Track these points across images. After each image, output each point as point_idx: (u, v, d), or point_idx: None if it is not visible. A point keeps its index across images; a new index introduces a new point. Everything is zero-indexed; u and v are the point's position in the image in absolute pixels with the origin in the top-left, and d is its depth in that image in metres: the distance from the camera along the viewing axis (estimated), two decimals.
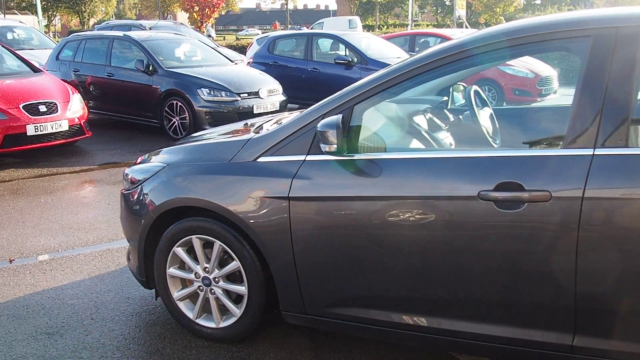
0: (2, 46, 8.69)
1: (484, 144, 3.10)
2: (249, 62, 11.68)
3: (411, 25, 31.14)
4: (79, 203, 5.67)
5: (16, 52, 8.95)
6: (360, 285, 2.61)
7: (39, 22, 27.04)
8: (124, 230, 3.36)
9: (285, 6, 58.63)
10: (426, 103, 3.53)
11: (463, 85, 3.80)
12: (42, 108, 7.40)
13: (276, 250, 2.71)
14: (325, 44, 11.64)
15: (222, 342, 3.03)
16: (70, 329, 3.20)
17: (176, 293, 3.09)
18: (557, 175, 2.19)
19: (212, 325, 3.03)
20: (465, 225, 2.34)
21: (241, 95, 8.64)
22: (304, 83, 10.95)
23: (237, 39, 35.14)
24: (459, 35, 12.92)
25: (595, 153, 2.16)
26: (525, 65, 11.93)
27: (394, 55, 10.91)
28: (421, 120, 3.25)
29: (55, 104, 7.55)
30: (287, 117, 3.14)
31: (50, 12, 57.95)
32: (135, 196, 3.13)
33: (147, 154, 3.53)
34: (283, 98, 9.32)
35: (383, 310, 2.61)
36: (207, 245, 2.96)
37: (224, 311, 3.03)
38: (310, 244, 2.64)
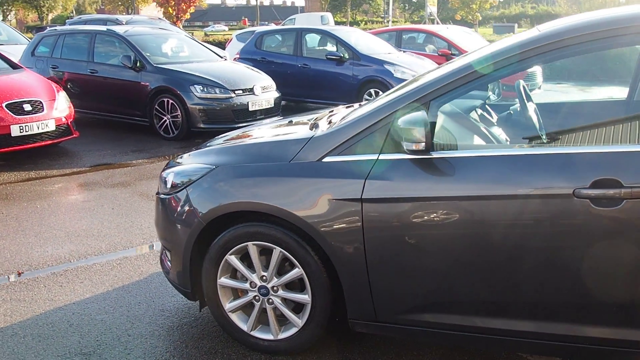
0: None
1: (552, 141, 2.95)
2: (235, 58, 11.36)
3: (390, 22, 31.12)
4: (80, 208, 5.32)
5: None
6: (439, 290, 2.43)
7: None
8: (162, 237, 3.09)
9: (256, 2, 58.06)
10: (475, 98, 3.37)
11: None
12: (27, 107, 6.99)
13: (346, 255, 2.49)
14: (314, 40, 11.41)
15: (281, 354, 2.80)
16: (107, 348, 2.92)
17: (228, 304, 2.84)
18: None
19: (269, 337, 2.79)
20: (559, 225, 2.22)
21: (236, 92, 8.35)
22: (294, 79, 10.69)
23: (206, 34, 34.56)
24: (446, 31, 12.85)
25: None
26: None
27: (384, 50, 10.75)
28: (483, 116, 3.08)
29: (41, 102, 7.14)
30: (349, 112, 2.92)
31: (5, 7, 55.80)
32: (178, 201, 2.87)
33: (179, 156, 3.27)
34: (277, 95, 9.07)
35: (463, 315, 2.44)
36: (262, 253, 2.73)
37: (281, 322, 2.80)
38: (385, 248, 2.43)
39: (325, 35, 11.02)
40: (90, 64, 9.05)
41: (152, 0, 40.19)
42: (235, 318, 2.85)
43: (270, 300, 2.75)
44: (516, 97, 3.20)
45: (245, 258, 2.78)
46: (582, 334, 2.30)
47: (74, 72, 9.20)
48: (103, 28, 9.62)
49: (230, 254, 2.75)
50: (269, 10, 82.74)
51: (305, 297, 2.67)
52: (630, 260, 2.17)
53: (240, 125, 8.41)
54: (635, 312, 2.22)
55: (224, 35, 29.93)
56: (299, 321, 2.72)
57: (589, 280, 2.24)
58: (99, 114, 9.19)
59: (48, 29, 11.36)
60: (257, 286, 2.76)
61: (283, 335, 2.77)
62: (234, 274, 2.84)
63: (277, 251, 2.64)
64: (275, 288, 2.73)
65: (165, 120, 8.38)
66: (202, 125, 8.23)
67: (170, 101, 8.27)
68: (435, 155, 2.35)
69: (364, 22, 39.82)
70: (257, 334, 2.82)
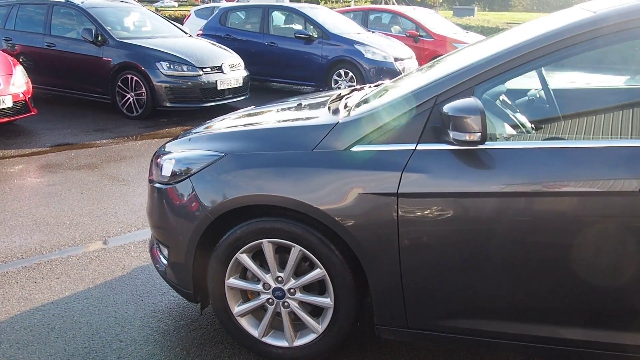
0: None
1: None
2: (198, 34, 10.85)
3: (353, 2, 30.72)
4: (46, 193, 4.88)
5: None
6: (481, 294, 2.22)
7: None
8: (157, 231, 2.77)
9: None
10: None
11: None
12: None
13: (378, 255, 2.25)
14: (281, 18, 11.01)
15: None
16: (98, 356, 2.60)
17: (237, 308, 2.56)
18: None
19: (283, 344, 2.54)
20: (622, 224, 2.02)
21: (204, 69, 7.94)
22: (260, 58, 10.30)
23: (157, 10, 33.34)
24: (413, 12, 12.65)
25: None
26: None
27: (353, 30, 10.47)
28: (505, 102, 2.86)
29: None
30: (365, 94, 2.66)
31: None
32: (181, 192, 2.56)
33: (174, 139, 2.94)
34: (245, 73, 8.70)
35: (508, 322, 2.24)
36: (276, 252, 2.46)
37: (297, 327, 2.55)
38: (422, 247, 2.20)
39: (293, 13, 10.64)
40: (47, 37, 8.44)
41: None
42: (244, 323, 2.58)
43: (286, 304, 2.49)
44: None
45: (256, 257, 2.51)
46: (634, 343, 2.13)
47: (28, 45, 8.57)
48: None
49: (242, 252, 2.47)
50: None
51: (327, 301, 2.42)
52: None
53: (209, 104, 8.05)
54: None
55: (175, 11, 28.88)
56: (318, 327, 2.47)
57: None
58: (56, 89, 8.60)
59: None
60: (272, 288, 2.49)
61: (299, 342, 2.52)
62: (243, 273, 2.57)
63: (297, 250, 2.38)
64: (292, 290, 2.47)
65: (129, 98, 7.90)
66: (168, 104, 7.80)
67: (135, 78, 7.80)
68: (489, 146, 2.12)
69: (323, 1, 39.15)
70: (269, 340, 2.56)
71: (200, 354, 2.64)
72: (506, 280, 2.17)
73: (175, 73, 7.77)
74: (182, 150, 2.70)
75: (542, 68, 3.08)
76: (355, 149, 2.28)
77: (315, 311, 2.53)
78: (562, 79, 3.38)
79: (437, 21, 12.79)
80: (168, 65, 7.75)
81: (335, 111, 2.58)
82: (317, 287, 2.49)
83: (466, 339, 2.32)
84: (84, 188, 5.00)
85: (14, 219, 4.26)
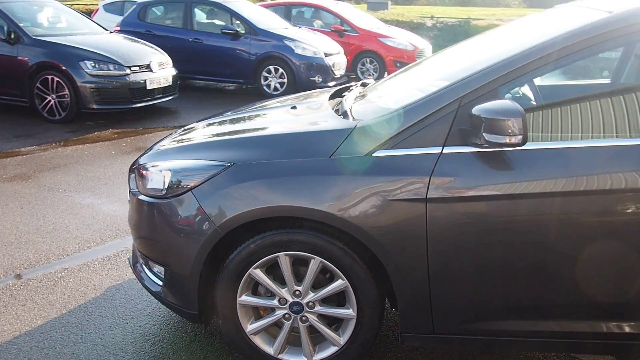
0: None
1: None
2: (115, 30, 10.27)
3: None
4: None
5: None
6: (510, 295, 2.21)
7: None
8: (148, 249, 2.56)
9: None
10: None
11: None
12: None
13: (406, 262, 2.19)
14: (205, 12, 10.65)
15: None
16: None
17: (250, 326, 2.41)
18: None
19: None
20: None
21: (132, 68, 7.52)
22: (184, 55, 9.86)
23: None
24: (336, 7, 12.66)
25: None
26: (405, 37, 12.11)
27: (280, 25, 10.32)
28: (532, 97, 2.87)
29: None
30: (376, 93, 2.57)
31: None
32: (181, 206, 2.37)
33: (154, 148, 2.74)
34: (174, 72, 8.34)
35: (531, 320, 2.25)
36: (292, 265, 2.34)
37: (314, 341, 2.44)
38: (452, 254, 2.16)
39: (218, 8, 10.32)
40: None
41: None
42: (258, 341, 2.44)
43: (304, 318, 2.37)
44: None
45: (269, 272, 2.37)
46: None
47: None
48: None
49: (255, 268, 2.32)
50: None
51: (349, 312, 2.33)
52: None
53: (138, 105, 7.65)
54: None
55: (81, 5, 27.31)
56: (339, 339, 2.37)
57: None
58: None
59: None
60: (289, 303, 2.36)
61: (318, 357, 2.41)
62: (254, 289, 2.42)
63: (317, 261, 2.27)
64: (310, 304, 2.35)
65: (50, 101, 7.34)
66: (95, 106, 7.32)
67: (56, 79, 7.25)
68: (528, 147, 2.07)
69: None
70: (286, 357, 2.44)
71: None
72: (537, 280, 2.16)
73: (101, 72, 7.30)
74: (172, 161, 2.50)
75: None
76: (377, 154, 2.19)
77: (332, 324, 2.43)
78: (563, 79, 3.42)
79: (360, 15, 12.88)
80: (93, 64, 7.27)
81: (345, 113, 2.48)
82: (334, 299, 2.39)
83: (488, 339, 2.32)
84: (22, 202, 4.57)
85: None
